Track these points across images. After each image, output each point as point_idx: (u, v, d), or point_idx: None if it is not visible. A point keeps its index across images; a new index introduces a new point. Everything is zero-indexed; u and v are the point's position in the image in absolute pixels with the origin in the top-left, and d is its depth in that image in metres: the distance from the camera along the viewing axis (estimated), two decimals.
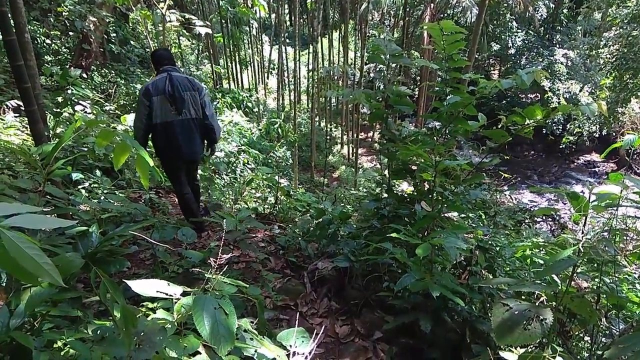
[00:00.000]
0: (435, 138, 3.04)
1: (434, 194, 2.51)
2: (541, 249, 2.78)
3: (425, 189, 2.97)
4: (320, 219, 3.69)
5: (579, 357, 2.22)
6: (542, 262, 3.09)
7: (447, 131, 3.12)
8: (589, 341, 2.30)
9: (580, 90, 20.84)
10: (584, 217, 2.11)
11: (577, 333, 2.40)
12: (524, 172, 22.09)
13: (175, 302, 1.63)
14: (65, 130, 5.71)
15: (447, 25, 2.84)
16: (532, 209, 9.29)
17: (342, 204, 5.29)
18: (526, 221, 8.19)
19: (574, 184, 20.97)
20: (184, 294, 1.70)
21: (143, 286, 1.61)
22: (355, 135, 19.20)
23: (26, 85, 3.34)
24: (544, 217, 9.12)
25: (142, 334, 1.40)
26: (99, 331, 1.27)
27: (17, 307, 1.23)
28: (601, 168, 22.15)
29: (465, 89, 3.04)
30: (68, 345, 1.21)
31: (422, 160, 2.76)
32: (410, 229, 2.35)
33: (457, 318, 2.42)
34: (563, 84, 21.98)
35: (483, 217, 4.96)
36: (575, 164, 23.09)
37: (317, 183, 15.60)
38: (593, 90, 20.54)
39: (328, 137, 20.34)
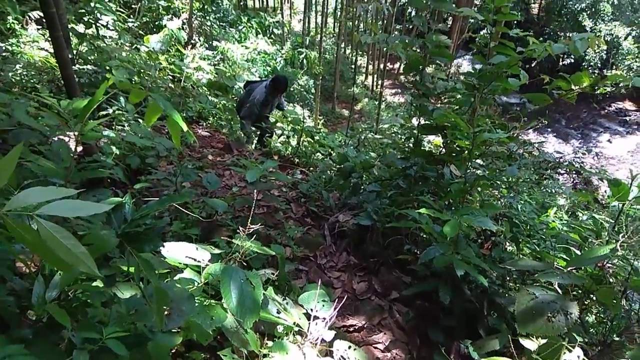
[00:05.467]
0: (472, 99, 2.88)
1: (469, 165, 2.42)
2: (570, 223, 2.72)
3: (457, 150, 2.87)
4: (342, 165, 3.65)
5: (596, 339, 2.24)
6: (565, 230, 3.05)
7: (485, 90, 2.95)
8: (607, 324, 2.31)
9: (626, 38, 19.42)
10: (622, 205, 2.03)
11: (595, 315, 2.41)
12: (551, 114, 21.28)
13: (204, 267, 1.65)
14: (88, 48, 5.59)
15: None
16: (557, 160, 9.08)
17: (364, 149, 5.21)
18: (548, 172, 8.05)
19: (601, 132, 20.27)
20: (212, 259, 1.72)
21: (173, 250, 1.63)
22: (380, 65, 18.53)
23: (51, 10, 3.21)
24: (567, 170, 8.92)
25: (171, 301, 1.42)
26: (131, 304, 1.29)
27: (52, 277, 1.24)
28: (632, 117, 21.25)
29: (512, 46, 2.83)
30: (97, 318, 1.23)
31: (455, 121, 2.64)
32: (437, 199, 2.30)
33: (476, 289, 2.43)
34: (606, 25, 20.50)
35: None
36: (607, 110, 22.12)
37: (338, 115, 15.35)
38: (638, 35, 19.18)
39: (353, 67, 19.66)
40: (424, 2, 3.01)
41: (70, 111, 1.54)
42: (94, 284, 1.30)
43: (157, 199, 1.52)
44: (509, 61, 2.67)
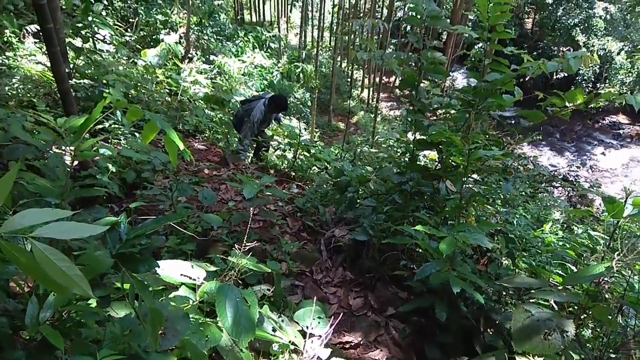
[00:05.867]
0: (468, 115, 2.90)
1: (465, 180, 2.44)
2: (565, 238, 2.73)
3: (453, 165, 2.88)
4: (338, 179, 3.65)
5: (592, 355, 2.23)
6: (560, 245, 3.06)
7: (480, 107, 2.98)
8: (603, 339, 2.30)
9: (619, 53, 19.68)
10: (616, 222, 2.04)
11: (592, 329, 2.40)
12: (545, 128, 21.41)
13: (199, 285, 1.65)
14: (85, 61, 5.60)
15: None
16: (552, 174, 9.15)
17: (360, 163, 5.23)
18: (543, 186, 8.09)
19: (595, 144, 20.43)
20: (208, 276, 1.72)
21: (168, 268, 1.63)
22: (375, 79, 18.65)
23: (49, 26, 3.22)
24: (561, 183, 8.99)
25: (165, 320, 1.41)
26: (125, 323, 1.28)
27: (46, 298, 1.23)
28: (626, 130, 21.43)
29: (506, 64, 2.87)
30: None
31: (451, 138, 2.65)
32: (433, 215, 2.30)
33: (472, 306, 2.43)
34: (599, 40, 20.79)
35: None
36: (600, 124, 22.30)
37: (334, 128, 15.41)
38: (631, 50, 19.43)
39: (349, 80, 19.80)
40: (419, 20, 3.05)
41: (67, 129, 1.55)
42: (88, 302, 1.29)
43: (153, 217, 1.52)
44: (503, 79, 2.71)
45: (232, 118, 5.71)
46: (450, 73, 22.03)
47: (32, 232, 0.96)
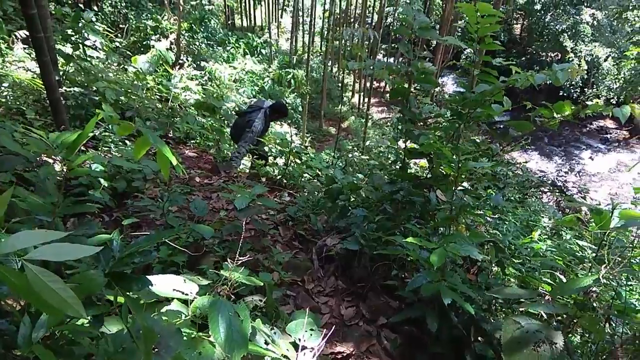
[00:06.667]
0: (457, 125, 2.94)
1: (455, 190, 2.46)
2: (554, 247, 2.77)
3: (442, 174, 2.91)
4: (330, 187, 3.67)
5: None
6: (550, 252, 3.10)
7: (470, 116, 3.02)
8: (592, 347, 2.34)
9: (606, 60, 19.99)
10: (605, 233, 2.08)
11: (580, 335, 2.44)
12: (534, 132, 21.65)
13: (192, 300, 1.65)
14: (75, 68, 5.56)
15: (483, 7, 2.68)
16: (540, 179, 9.25)
17: (351, 169, 5.25)
18: (531, 190, 8.17)
19: (583, 149, 20.71)
20: (200, 290, 1.72)
21: (161, 283, 1.62)
22: (366, 84, 18.75)
23: (39, 35, 3.22)
24: (551, 188, 9.08)
25: (158, 337, 1.41)
26: (118, 340, 1.28)
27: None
28: (613, 135, 21.75)
29: (495, 74, 2.92)
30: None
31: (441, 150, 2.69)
32: (424, 224, 2.32)
33: (463, 315, 2.45)
34: (586, 46, 21.11)
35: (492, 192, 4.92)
36: (588, 128, 22.61)
37: (325, 133, 15.45)
38: (617, 55, 19.74)
39: (339, 85, 19.87)
40: (409, 31, 3.08)
41: (59, 145, 1.54)
42: (81, 321, 1.29)
43: (145, 233, 1.52)
44: (492, 90, 2.74)
45: (230, 129, 5.66)
46: (440, 78, 22.21)
47: (26, 254, 0.97)
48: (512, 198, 6.46)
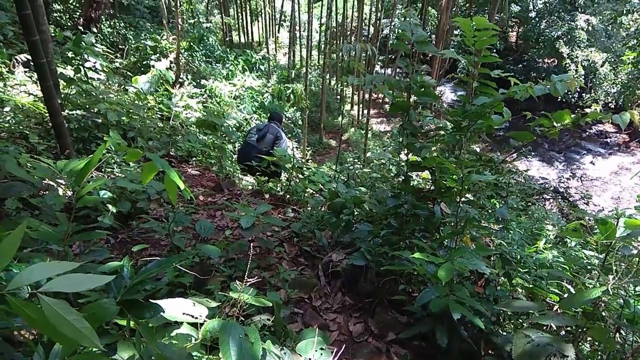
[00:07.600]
0: (459, 137, 2.96)
1: (459, 202, 2.47)
2: (559, 257, 2.77)
3: (446, 186, 2.92)
4: (333, 202, 3.67)
5: None
6: (558, 262, 3.09)
7: (470, 128, 3.04)
8: (602, 357, 2.33)
9: (602, 65, 20.10)
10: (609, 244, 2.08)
11: (590, 343, 2.43)
12: (535, 139, 21.63)
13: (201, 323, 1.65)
14: (77, 90, 5.60)
15: (479, 21, 2.71)
16: (543, 186, 9.25)
17: (354, 182, 5.26)
18: (534, 198, 8.18)
19: (584, 154, 20.71)
20: (209, 312, 1.72)
21: (171, 307, 1.63)
22: (365, 95, 18.83)
23: (42, 61, 3.26)
24: (553, 195, 9.08)
25: None
26: None
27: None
28: (613, 139, 21.77)
29: (494, 85, 2.94)
30: None
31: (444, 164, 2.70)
32: (430, 238, 2.33)
33: (472, 329, 2.44)
34: (582, 51, 21.24)
35: (496, 203, 4.93)
36: (587, 133, 22.64)
37: (326, 145, 15.50)
38: (614, 60, 19.86)
39: (338, 97, 19.98)
40: (407, 46, 3.12)
41: (67, 173, 1.56)
42: (94, 349, 1.29)
43: (153, 255, 1.53)
44: (492, 102, 2.77)
45: (241, 148, 5.99)
46: (438, 87, 22.32)
47: (41, 288, 0.98)
48: (516, 206, 6.46)
